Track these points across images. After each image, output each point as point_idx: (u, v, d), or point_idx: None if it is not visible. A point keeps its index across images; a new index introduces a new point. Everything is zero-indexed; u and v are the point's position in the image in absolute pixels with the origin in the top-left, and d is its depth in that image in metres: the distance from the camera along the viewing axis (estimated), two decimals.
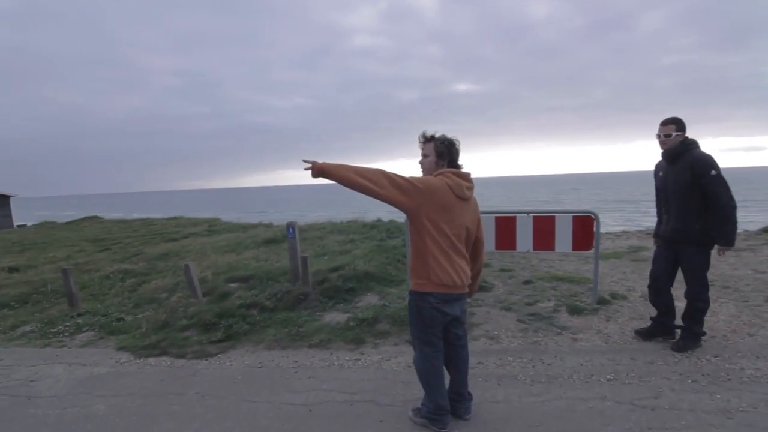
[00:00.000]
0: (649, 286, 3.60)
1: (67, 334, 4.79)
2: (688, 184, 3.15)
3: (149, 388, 3.37)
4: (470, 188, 2.43)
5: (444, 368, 2.56)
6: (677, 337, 3.44)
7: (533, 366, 3.26)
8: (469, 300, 3.14)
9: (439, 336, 2.47)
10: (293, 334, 4.10)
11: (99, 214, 33.76)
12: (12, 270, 9.74)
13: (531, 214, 4.47)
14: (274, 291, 5.05)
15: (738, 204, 3.13)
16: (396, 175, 2.29)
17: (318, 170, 2.25)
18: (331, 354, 3.71)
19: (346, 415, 2.77)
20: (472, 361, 3.11)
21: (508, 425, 2.56)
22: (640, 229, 11.36)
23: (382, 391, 3.02)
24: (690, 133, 3.26)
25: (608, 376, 3.03)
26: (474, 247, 2.57)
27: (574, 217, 4.35)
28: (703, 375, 2.98)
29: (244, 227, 14.65)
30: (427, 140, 2.47)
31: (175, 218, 22.96)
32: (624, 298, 4.54)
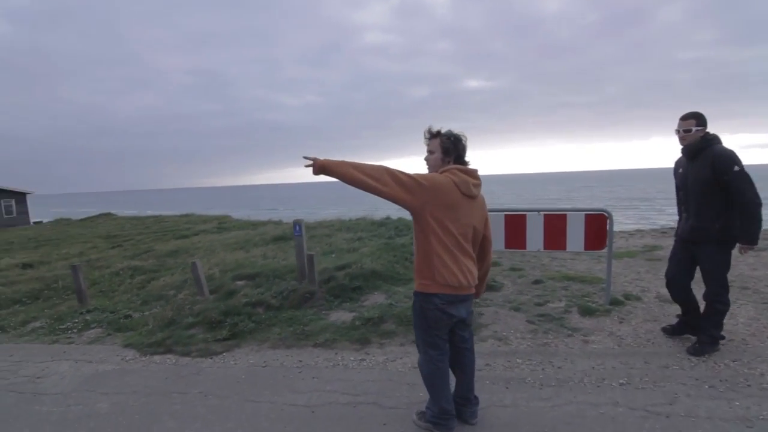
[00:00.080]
0: (666, 285, 3.54)
1: (75, 330, 4.81)
2: (709, 181, 3.03)
3: (153, 386, 3.35)
4: (477, 185, 2.34)
5: (450, 371, 2.49)
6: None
7: (543, 369, 3.16)
8: (477, 300, 3.05)
9: (444, 338, 2.39)
10: (298, 333, 4.06)
11: (113, 211, 34.29)
12: (26, 266, 9.90)
13: (542, 213, 4.36)
14: (280, 289, 5.02)
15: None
16: (400, 171, 2.21)
17: (319, 167, 2.19)
18: (336, 354, 3.65)
19: (349, 418, 2.71)
20: (479, 363, 3.04)
21: (516, 431, 2.48)
22: (655, 227, 11.12)
23: (387, 393, 2.95)
24: (707, 130, 3.13)
25: (621, 381, 2.92)
26: (482, 246, 2.49)
27: (586, 215, 4.23)
28: (720, 380, 2.86)
29: (254, 224, 14.72)
30: (433, 136, 2.39)
31: (186, 215, 23.21)
32: (638, 298, 4.41)
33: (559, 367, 3.17)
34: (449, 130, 2.37)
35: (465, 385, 2.54)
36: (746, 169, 2.94)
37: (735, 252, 3.14)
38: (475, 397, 2.58)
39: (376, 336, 3.89)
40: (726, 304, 3.21)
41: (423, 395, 2.65)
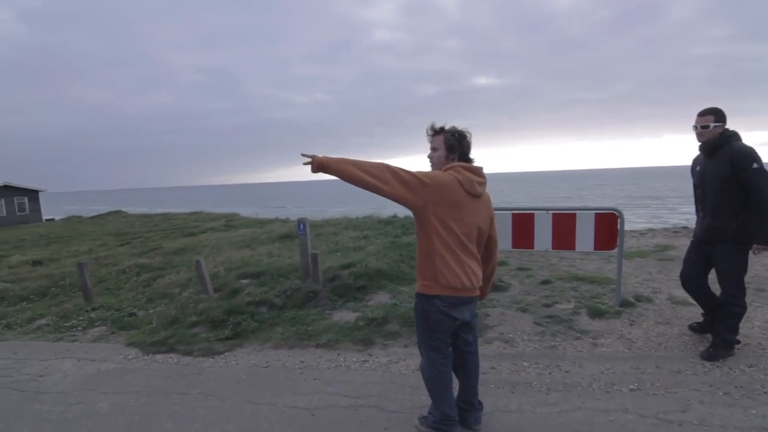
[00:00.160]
0: (682, 286, 3.50)
1: (80, 328, 4.82)
2: (727, 178, 2.92)
3: (154, 386, 3.32)
4: (482, 184, 2.26)
5: (453, 375, 2.41)
6: None
7: (550, 373, 3.07)
8: (480, 302, 2.97)
9: (447, 341, 2.32)
10: (301, 333, 4.01)
11: (124, 209, 34.68)
12: (36, 263, 10.01)
13: (550, 211, 4.25)
14: (284, 288, 4.97)
15: None
16: (401, 169, 2.13)
17: (317, 165, 2.12)
18: (339, 355, 3.59)
19: (350, 421, 2.65)
20: (484, 365, 2.96)
21: None
22: (667, 226, 10.90)
23: (389, 396, 2.89)
24: (726, 126, 3.02)
25: (631, 386, 2.82)
26: (487, 246, 2.40)
27: (596, 214, 4.12)
28: (735, 387, 2.75)
29: (261, 222, 14.75)
30: (436, 132, 2.30)
31: (195, 213, 23.36)
32: (649, 300, 4.29)
33: (566, 371, 3.08)
34: (453, 127, 2.29)
35: (468, 389, 2.46)
36: (766, 167, 2.83)
37: (750, 252, 3.03)
38: (479, 402, 2.50)
39: (379, 337, 3.83)
40: (742, 307, 3.10)
41: (426, 399, 2.57)
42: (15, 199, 33.99)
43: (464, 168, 2.21)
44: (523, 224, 4.29)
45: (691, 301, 4.02)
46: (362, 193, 2.16)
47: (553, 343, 3.52)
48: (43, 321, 5.24)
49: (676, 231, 8.57)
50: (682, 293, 4.28)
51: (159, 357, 3.87)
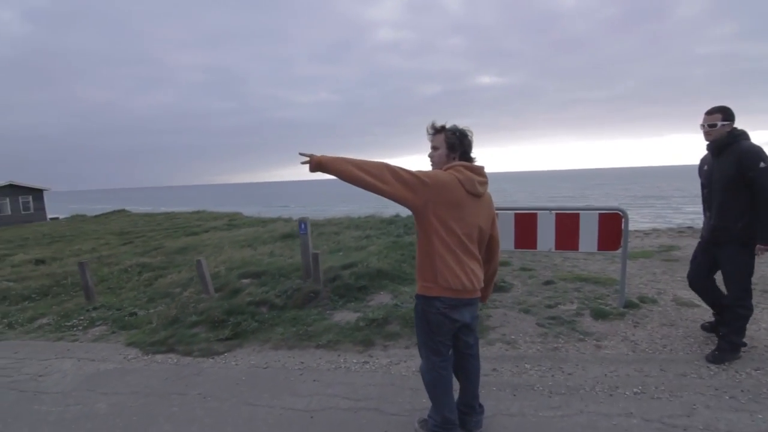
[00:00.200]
0: (689, 287, 3.47)
1: (80, 327, 4.81)
2: (734, 177, 2.87)
3: (153, 386, 3.30)
4: (483, 183, 2.21)
5: (453, 378, 2.37)
6: None
7: (552, 375, 3.03)
8: (482, 305, 2.93)
9: (447, 344, 2.28)
10: (301, 333, 3.98)
11: (127, 208, 34.78)
12: (38, 262, 10.03)
13: (553, 211, 4.20)
14: (284, 288, 4.94)
15: None
16: (401, 168, 2.09)
17: (315, 164, 2.08)
18: (339, 356, 3.56)
19: (349, 424, 2.61)
20: (486, 367, 2.92)
21: None
22: (671, 226, 10.82)
23: (389, 399, 2.85)
24: (734, 125, 2.97)
25: (635, 390, 2.78)
26: (488, 247, 2.36)
27: (600, 214, 4.07)
28: (742, 391, 2.70)
29: (264, 222, 14.74)
30: (437, 131, 2.26)
31: (198, 212, 23.40)
32: (654, 301, 4.23)
33: (569, 374, 3.03)
34: (454, 125, 2.24)
35: (469, 392, 2.42)
36: None
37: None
38: (480, 406, 2.46)
39: (380, 338, 3.79)
40: (749, 309, 3.05)
41: (426, 402, 2.53)
42: (20, 198, 34.18)
43: (465, 167, 2.17)
44: (525, 224, 4.25)
45: (697, 302, 3.97)
46: (364, 193, 2.13)
47: (555, 345, 3.47)
48: (44, 320, 5.23)
49: (681, 231, 8.50)
50: (687, 294, 4.23)
51: (159, 357, 3.85)
